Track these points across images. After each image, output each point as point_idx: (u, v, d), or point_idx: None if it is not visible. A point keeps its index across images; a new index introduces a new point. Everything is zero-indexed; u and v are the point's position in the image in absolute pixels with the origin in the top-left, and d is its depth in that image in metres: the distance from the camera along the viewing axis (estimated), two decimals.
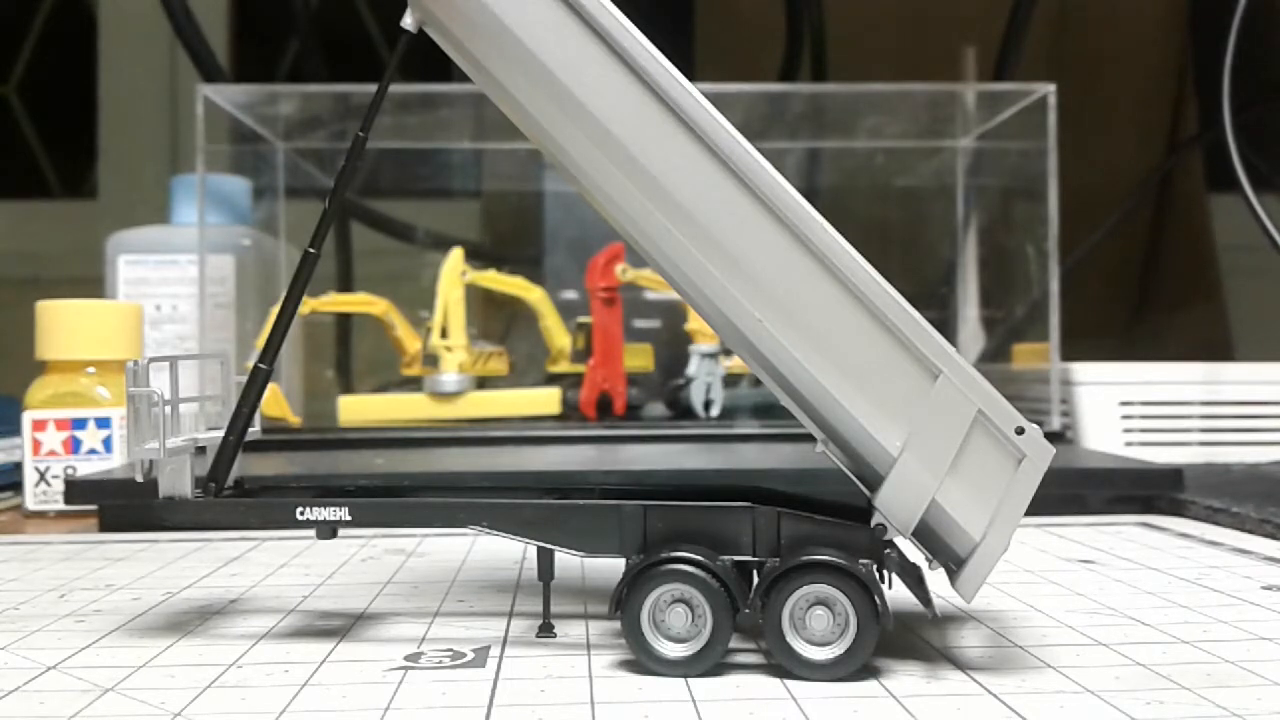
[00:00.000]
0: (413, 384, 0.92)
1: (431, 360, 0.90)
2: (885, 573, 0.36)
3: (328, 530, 0.38)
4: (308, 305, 0.92)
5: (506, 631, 0.39)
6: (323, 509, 0.38)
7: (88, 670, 0.35)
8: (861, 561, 0.34)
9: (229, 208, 0.95)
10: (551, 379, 0.94)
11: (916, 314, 0.34)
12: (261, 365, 0.38)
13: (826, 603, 0.34)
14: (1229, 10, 0.82)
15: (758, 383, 0.94)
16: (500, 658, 0.36)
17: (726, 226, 0.34)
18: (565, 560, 0.38)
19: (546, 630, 0.39)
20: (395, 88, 1.03)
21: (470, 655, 0.36)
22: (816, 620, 0.34)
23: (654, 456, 0.75)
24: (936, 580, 0.38)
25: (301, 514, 0.38)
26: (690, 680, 0.34)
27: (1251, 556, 0.52)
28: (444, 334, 0.89)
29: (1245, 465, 0.83)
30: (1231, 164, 0.82)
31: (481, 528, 0.37)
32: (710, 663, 0.34)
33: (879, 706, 0.31)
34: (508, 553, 0.53)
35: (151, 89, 1.71)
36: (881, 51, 1.20)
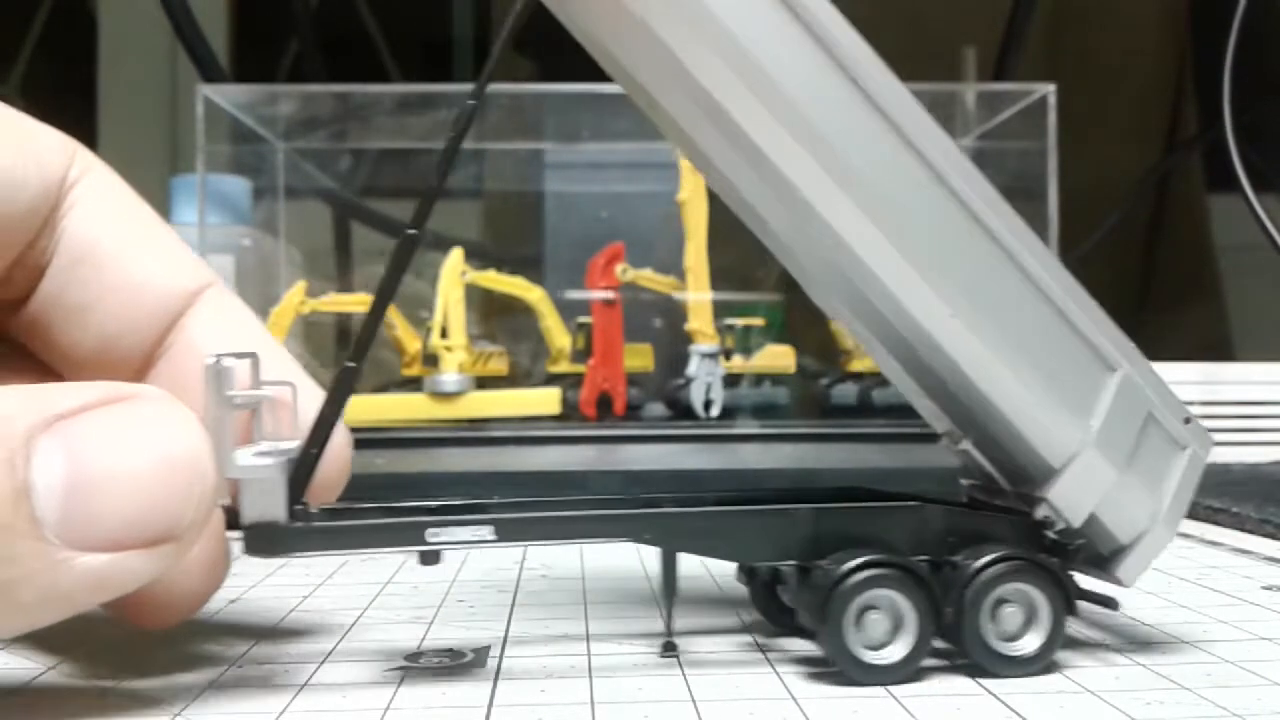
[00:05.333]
0: (413, 384, 0.92)
1: (431, 360, 0.91)
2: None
3: (434, 556, 0.33)
4: (307, 305, 0.92)
5: (506, 631, 0.39)
6: (460, 529, 0.33)
7: (88, 670, 0.35)
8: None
9: (229, 208, 0.95)
10: (551, 379, 0.94)
11: (1098, 307, 0.35)
12: (350, 363, 0.33)
13: (1019, 599, 0.34)
14: (1229, 10, 0.82)
15: (758, 383, 0.94)
16: (500, 658, 0.36)
17: (930, 226, 0.34)
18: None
19: (670, 649, 0.36)
20: (395, 88, 1.03)
21: (470, 655, 0.36)
22: (1009, 618, 0.34)
23: (654, 456, 0.75)
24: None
25: (435, 536, 0.33)
26: (690, 680, 0.34)
27: (1251, 556, 0.52)
28: (444, 334, 0.89)
29: (1245, 465, 0.83)
30: (1231, 164, 0.82)
31: (643, 540, 0.34)
32: (914, 667, 0.33)
33: (879, 706, 0.31)
34: (508, 553, 0.53)
35: (151, 89, 1.71)
36: (881, 51, 1.19)
